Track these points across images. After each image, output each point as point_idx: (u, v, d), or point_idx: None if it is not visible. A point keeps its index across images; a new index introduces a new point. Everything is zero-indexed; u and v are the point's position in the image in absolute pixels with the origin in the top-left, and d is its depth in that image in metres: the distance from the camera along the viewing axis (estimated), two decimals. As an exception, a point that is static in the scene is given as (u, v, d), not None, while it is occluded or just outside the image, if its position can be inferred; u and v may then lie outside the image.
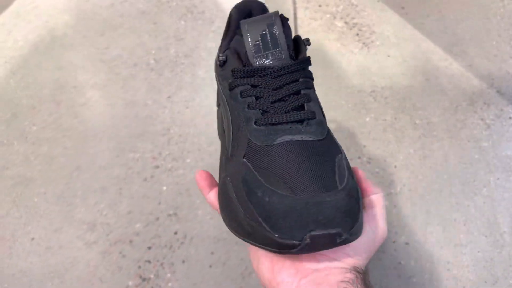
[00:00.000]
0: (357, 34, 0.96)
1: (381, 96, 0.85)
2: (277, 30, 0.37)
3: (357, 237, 0.31)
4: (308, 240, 0.28)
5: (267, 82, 0.36)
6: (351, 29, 0.97)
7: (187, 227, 0.71)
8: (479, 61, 0.90)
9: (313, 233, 0.28)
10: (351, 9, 1.00)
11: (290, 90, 0.36)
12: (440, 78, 0.88)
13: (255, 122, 0.35)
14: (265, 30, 0.37)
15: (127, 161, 0.77)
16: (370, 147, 0.79)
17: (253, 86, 0.37)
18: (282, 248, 0.29)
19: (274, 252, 0.30)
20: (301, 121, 0.35)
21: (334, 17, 0.99)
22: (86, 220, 0.71)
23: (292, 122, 0.35)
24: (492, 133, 0.80)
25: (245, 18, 0.42)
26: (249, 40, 0.37)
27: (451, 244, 0.69)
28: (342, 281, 0.30)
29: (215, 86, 0.86)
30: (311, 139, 0.34)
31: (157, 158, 0.78)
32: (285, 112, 0.35)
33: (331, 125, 0.80)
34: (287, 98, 0.36)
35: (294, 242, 0.29)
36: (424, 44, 0.93)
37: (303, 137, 0.34)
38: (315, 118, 0.36)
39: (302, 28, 0.97)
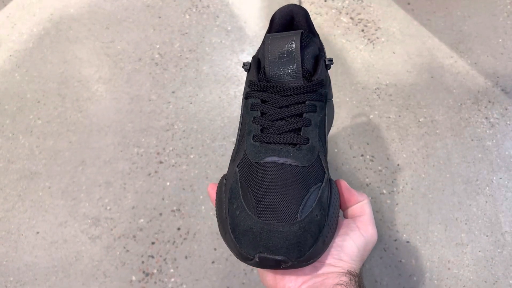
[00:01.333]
0: (363, 30, 0.95)
1: (385, 94, 0.85)
2: (295, 50, 0.38)
3: (309, 263, 0.33)
4: (257, 259, 0.32)
5: (275, 99, 0.38)
6: (356, 24, 0.96)
7: (190, 222, 0.71)
8: (485, 59, 0.90)
9: (261, 255, 0.32)
10: (356, 5, 1.00)
11: (294, 111, 0.38)
12: (445, 76, 0.87)
13: (253, 137, 0.37)
14: (284, 48, 0.38)
15: (132, 156, 0.78)
16: (374, 145, 0.79)
17: (263, 101, 0.39)
18: (241, 257, 0.33)
19: (237, 258, 0.34)
20: (293, 144, 0.37)
21: (340, 13, 0.98)
22: (91, 214, 0.72)
23: (284, 143, 0.36)
24: (496, 132, 0.80)
25: (287, 22, 0.44)
26: (269, 55, 0.39)
27: (452, 243, 0.69)
28: (337, 284, 0.33)
29: (219, 82, 0.87)
30: (295, 164, 0.36)
31: (161, 153, 0.78)
32: (281, 133, 0.37)
33: (334, 123, 0.80)
34: (288, 118, 0.38)
35: (249, 256, 0.32)
36: (429, 41, 0.93)
37: (289, 161, 0.35)
38: (308, 143, 0.37)
39: (307, 23, 0.96)
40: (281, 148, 0.36)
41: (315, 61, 0.41)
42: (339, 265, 0.35)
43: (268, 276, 0.37)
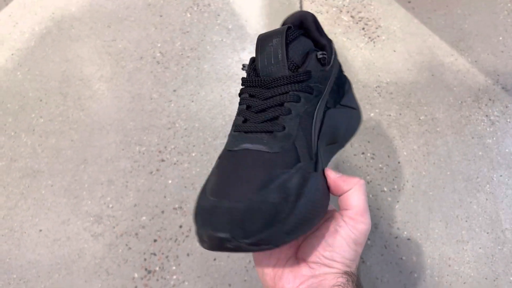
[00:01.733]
0: (363, 28, 0.95)
1: (386, 92, 0.85)
2: (280, 45, 0.39)
3: (262, 249, 0.32)
4: (206, 238, 0.32)
5: (260, 93, 0.39)
6: (357, 23, 0.96)
7: (192, 220, 0.72)
8: (485, 57, 0.90)
9: (208, 232, 0.31)
10: (357, 3, 1.00)
11: (276, 102, 0.38)
12: (446, 74, 0.88)
13: (235, 128, 0.38)
14: (271, 44, 0.39)
15: (133, 155, 0.78)
16: (374, 143, 0.79)
17: (251, 95, 0.39)
18: (198, 240, 0.33)
19: (198, 243, 0.34)
20: (270, 132, 0.37)
21: (340, 11, 0.99)
22: (93, 212, 0.73)
23: (261, 132, 0.37)
24: (496, 129, 0.80)
25: (296, 28, 0.44)
26: (259, 52, 0.40)
27: (453, 240, 0.70)
28: (334, 286, 0.33)
29: (220, 80, 0.87)
30: (265, 150, 0.36)
31: (162, 151, 0.78)
32: (259, 122, 0.37)
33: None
34: (269, 109, 0.38)
35: (202, 237, 0.32)
36: (430, 39, 0.93)
37: (260, 147, 0.36)
38: (283, 131, 0.37)
39: (308, 21, 0.96)
40: (256, 136, 0.36)
41: (305, 56, 0.41)
42: (334, 266, 0.35)
43: (267, 276, 0.37)
